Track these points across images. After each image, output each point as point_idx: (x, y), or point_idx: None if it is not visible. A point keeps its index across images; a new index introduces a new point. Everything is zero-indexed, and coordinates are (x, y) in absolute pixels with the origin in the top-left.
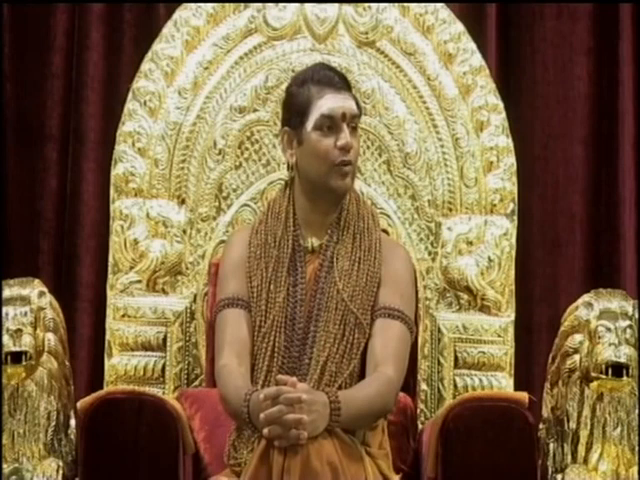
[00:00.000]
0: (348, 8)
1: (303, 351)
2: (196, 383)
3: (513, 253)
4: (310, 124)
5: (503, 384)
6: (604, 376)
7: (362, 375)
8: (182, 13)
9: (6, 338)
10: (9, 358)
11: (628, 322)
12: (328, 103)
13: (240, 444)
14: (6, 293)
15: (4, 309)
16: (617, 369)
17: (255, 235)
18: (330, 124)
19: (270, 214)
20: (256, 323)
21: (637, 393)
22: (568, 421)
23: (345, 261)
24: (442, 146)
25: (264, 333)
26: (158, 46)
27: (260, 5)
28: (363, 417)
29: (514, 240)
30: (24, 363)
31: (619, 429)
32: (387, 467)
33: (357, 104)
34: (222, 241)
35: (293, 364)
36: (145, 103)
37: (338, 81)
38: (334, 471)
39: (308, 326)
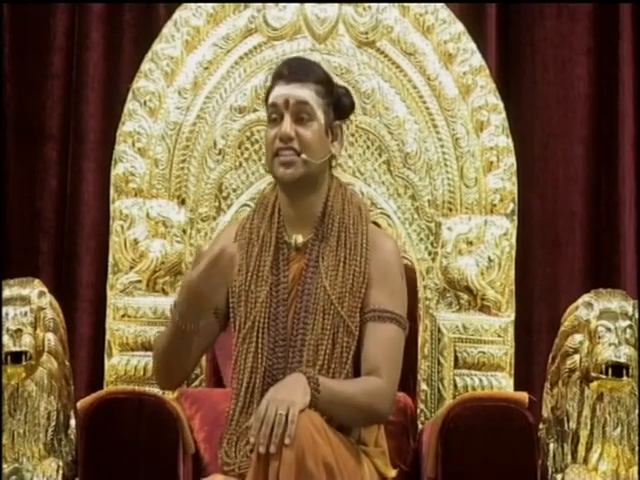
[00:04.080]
0: (348, 8)
1: (291, 353)
2: (196, 383)
3: (513, 253)
4: (267, 118)
5: (503, 384)
6: (604, 376)
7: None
8: (182, 13)
9: (6, 338)
10: (9, 358)
11: (628, 322)
12: (274, 93)
13: (231, 450)
14: (6, 293)
15: (4, 309)
16: (617, 369)
17: (241, 232)
18: (276, 114)
19: (257, 210)
20: (236, 324)
21: (637, 393)
22: (568, 421)
23: (330, 261)
24: (442, 146)
25: (244, 334)
26: (158, 46)
27: (260, 5)
28: (347, 404)
29: (514, 240)
30: (24, 363)
31: (619, 429)
32: (384, 464)
33: (330, 95)
34: None
35: (279, 365)
36: (145, 103)
37: (292, 72)
38: (330, 472)
39: (293, 327)
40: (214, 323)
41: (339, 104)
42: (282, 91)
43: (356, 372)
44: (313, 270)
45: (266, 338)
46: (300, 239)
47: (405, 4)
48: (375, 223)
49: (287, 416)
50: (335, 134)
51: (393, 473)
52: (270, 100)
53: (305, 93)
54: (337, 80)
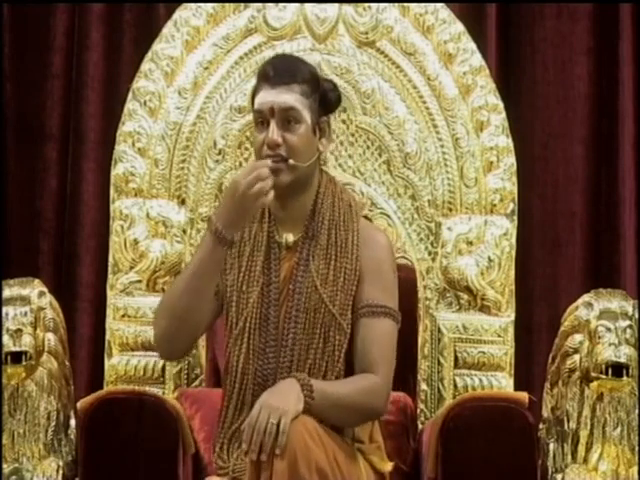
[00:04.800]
0: (348, 8)
1: (282, 353)
2: (196, 383)
3: (513, 253)
4: (254, 121)
5: (503, 384)
6: (604, 376)
7: (346, 376)
8: (182, 13)
9: (6, 338)
10: (9, 358)
11: (628, 322)
12: (259, 99)
13: (223, 453)
14: (6, 293)
15: (4, 309)
16: (617, 369)
17: None
18: (262, 119)
19: None
20: (229, 324)
21: (637, 393)
22: (568, 421)
23: (321, 259)
24: (442, 146)
25: (236, 335)
26: (158, 46)
27: (260, 5)
28: (342, 406)
29: (514, 240)
30: (24, 363)
31: (619, 429)
32: (379, 460)
33: (316, 91)
34: None
35: (270, 366)
36: (145, 103)
37: (277, 74)
38: (323, 478)
39: (284, 327)
40: (215, 303)
41: (325, 99)
42: (268, 97)
43: (347, 368)
44: (304, 269)
45: (257, 339)
46: (291, 238)
47: (405, 4)
48: (366, 217)
49: (279, 425)
50: (323, 130)
51: (389, 467)
52: (256, 106)
53: (290, 98)
54: (323, 74)
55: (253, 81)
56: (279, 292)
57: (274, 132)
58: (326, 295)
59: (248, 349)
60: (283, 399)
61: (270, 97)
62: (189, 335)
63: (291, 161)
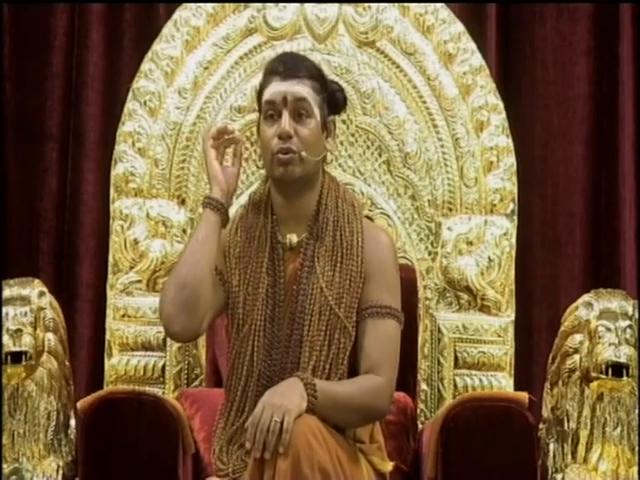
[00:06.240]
0: (348, 8)
1: (286, 354)
2: (196, 383)
3: (513, 253)
4: (261, 115)
5: (503, 384)
6: (604, 376)
7: (350, 376)
8: (182, 13)
9: (6, 338)
10: (9, 358)
11: (628, 322)
12: (271, 89)
13: (223, 454)
14: (6, 293)
15: (4, 309)
16: (617, 369)
17: (235, 232)
18: (273, 111)
19: (251, 209)
20: (235, 324)
21: (637, 393)
22: (568, 421)
23: (326, 261)
24: (442, 146)
25: (242, 337)
26: (158, 46)
27: (260, 5)
28: (346, 406)
29: (514, 240)
30: (24, 363)
31: (619, 429)
32: (380, 460)
33: (324, 90)
34: None
35: (275, 367)
36: (145, 103)
37: (287, 69)
38: (326, 478)
39: (290, 329)
40: (220, 288)
41: (333, 100)
42: (280, 88)
43: (351, 370)
44: (308, 270)
45: (262, 341)
46: (294, 239)
47: (405, 4)
48: (368, 217)
49: (282, 423)
50: (329, 130)
51: (389, 467)
52: (266, 97)
53: (303, 89)
54: (330, 76)
55: (253, 81)
56: (284, 293)
57: (287, 123)
58: (332, 297)
59: (253, 350)
60: (286, 398)
61: (283, 87)
62: (195, 309)
63: (303, 153)
